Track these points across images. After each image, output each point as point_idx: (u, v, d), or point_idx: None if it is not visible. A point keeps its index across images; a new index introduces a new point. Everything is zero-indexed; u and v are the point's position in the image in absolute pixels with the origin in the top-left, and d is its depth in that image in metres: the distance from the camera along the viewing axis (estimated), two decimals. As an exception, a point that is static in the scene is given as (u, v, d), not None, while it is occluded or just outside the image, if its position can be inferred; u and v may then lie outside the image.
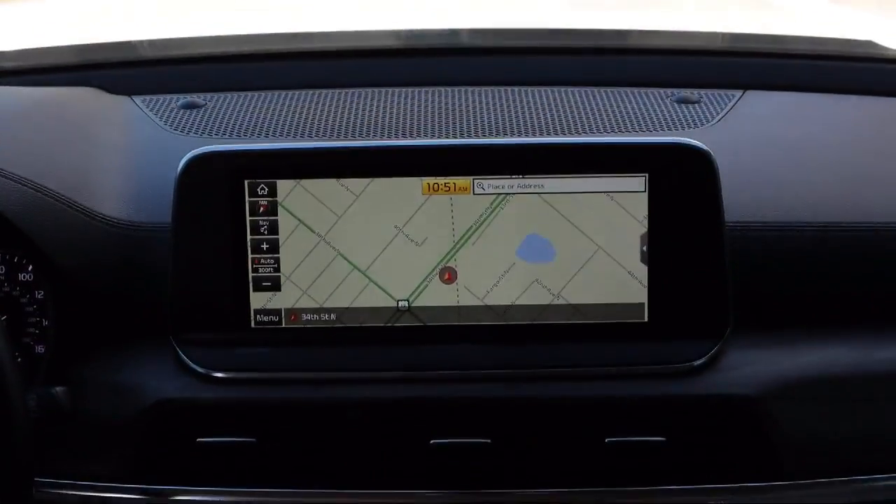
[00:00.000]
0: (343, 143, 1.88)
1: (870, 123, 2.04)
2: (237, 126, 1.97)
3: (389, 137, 1.91)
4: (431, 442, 1.74)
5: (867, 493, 1.78)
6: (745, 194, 1.83)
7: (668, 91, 2.11)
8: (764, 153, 1.90)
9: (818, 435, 1.75)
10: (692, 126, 1.96)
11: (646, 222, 1.76)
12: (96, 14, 3.00)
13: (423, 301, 1.78)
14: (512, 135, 1.90)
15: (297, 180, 1.75)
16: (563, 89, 2.10)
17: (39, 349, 1.82)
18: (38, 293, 1.83)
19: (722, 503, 1.75)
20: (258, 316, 1.78)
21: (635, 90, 2.11)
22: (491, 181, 1.75)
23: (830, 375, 1.78)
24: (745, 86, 2.14)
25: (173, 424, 1.76)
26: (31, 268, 1.81)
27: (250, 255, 1.77)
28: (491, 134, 1.90)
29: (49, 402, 1.70)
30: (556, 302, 1.78)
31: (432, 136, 1.91)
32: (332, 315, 1.79)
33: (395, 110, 2.01)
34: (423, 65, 2.24)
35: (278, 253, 1.77)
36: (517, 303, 1.78)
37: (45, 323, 1.82)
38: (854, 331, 1.85)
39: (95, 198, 1.84)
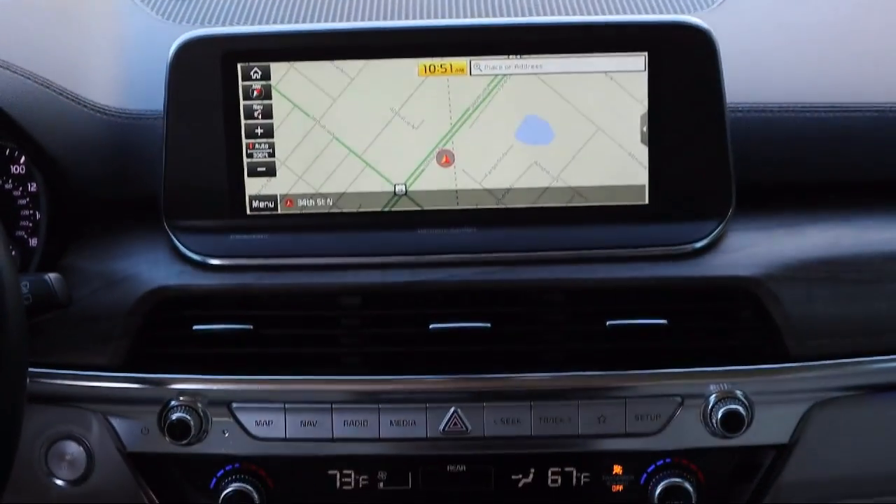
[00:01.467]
0: (338, 25, 1.84)
1: (873, 2, 2.00)
2: (229, 14, 1.93)
3: (385, 20, 1.87)
4: (430, 327, 1.72)
5: (871, 374, 1.76)
6: (746, 75, 1.80)
7: None
8: (766, 34, 1.87)
9: (822, 317, 1.73)
10: (693, 9, 1.92)
11: (646, 102, 1.73)
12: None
13: (421, 185, 1.76)
14: (510, 16, 1.86)
15: (291, 63, 1.72)
16: None
17: (32, 242, 1.79)
18: (31, 186, 1.80)
19: (725, 386, 1.71)
20: (253, 202, 1.75)
21: None
22: (488, 62, 1.72)
23: (834, 257, 1.76)
24: None
25: (169, 313, 1.74)
26: (23, 160, 1.79)
27: (244, 141, 1.74)
28: (489, 16, 1.87)
29: (42, 288, 1.68)
30: (555, 184, 1.75)
31: (429, 18, 1.87)
32: (328, 200, 1.76)
33: None
34: None
35: (273, 138, 1.74)
36: (516, 186, 1.75)
37: (38, 216, 1.79)
38: (857, 212, 1.83)
39: (87, 86, 1.82)
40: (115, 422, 1.75)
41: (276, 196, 1.76)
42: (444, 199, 1.75)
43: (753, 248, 1.76)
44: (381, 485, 1.77)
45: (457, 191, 1.75)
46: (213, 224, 1.76)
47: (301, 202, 1.76)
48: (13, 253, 1.78)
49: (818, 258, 1.75)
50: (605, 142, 1.74)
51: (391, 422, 1.73)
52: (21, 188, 1.80)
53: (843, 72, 1.83)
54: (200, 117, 1.73)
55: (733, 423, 1.71)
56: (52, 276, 1.68)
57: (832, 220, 1.80)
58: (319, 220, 1.76)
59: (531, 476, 1.77)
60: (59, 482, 1.79)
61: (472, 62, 1.73)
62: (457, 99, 1.73)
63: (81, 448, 1.79)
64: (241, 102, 1.72)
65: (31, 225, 1.81)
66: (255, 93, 1.73)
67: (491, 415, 1.73)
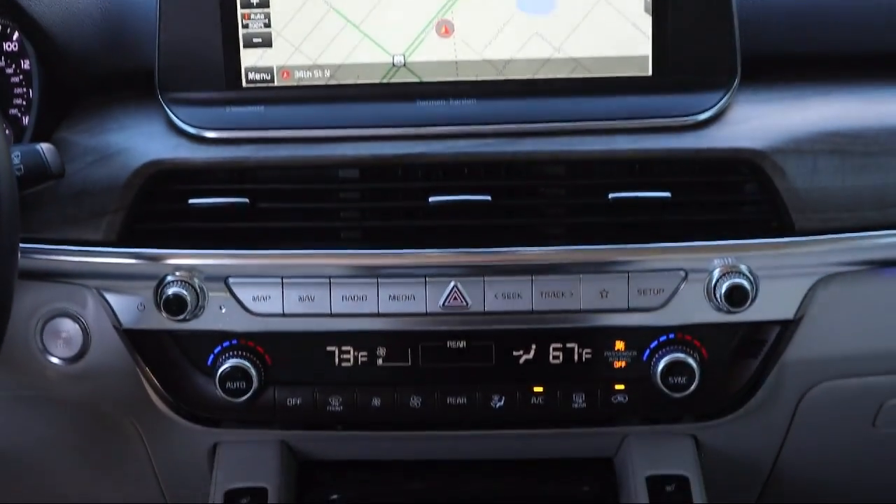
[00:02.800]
0: None
1: None
2: None
3: None
4: (430, 200, 1.69)
5: (878, 249, 1.73)
6: None
7: None
8: None
9: (827, 190, 1.70)
10: None
11: (650, -31, 1.68)
12: None
13: (420, 56, 1.73)
14: None
15: (288, -70, 1.67)
16: None
17: (25, 120, 1.76)
18: (24, 63, 1.77)
19: (729, 260, 1.69)
20: (249, 73, 1.72)
21: None
22: (489, -72, 1.68)
23: (841, 129, 1.73)
24: None
25: (164, 186, 1.72)
26: (16, 36, 1.76)
27: (240, 10, 1.71)
28: None
29: (34, 158, 1.65)
30: (556, 55, 1.72)
31: None
32: (325, 72, 1.73)
33: None
34: None
35: (269, 7, 1.72)
36: (517, 57, 1.73)
37: (31, 94, 1.76)
38: (865, 85, 1.80)
39: (79, -44, 1.77)
40: (111, 298, 1.72)
41: (272, 68, 1.73)
42: (443, 71, 1.72)
43: (758, 120, 1.73)
44: (381, 361, 1.74)
45: (456, 62, 1.72)
46: (209, 96, 1.73)
47: (298, 74, 1.73)
48: (7, 132, 1.74)
49: (825, 130, 1.72)
50: (607, 11, 1.71)
51: (390, 296, 1.70)
52: (14, 65, 1.77)
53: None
54: None
55: (738, 297, 1.68)
56: (44, 146, 1.65)
57: (839, 93, 1.77)
58: (317, 92, 1.72)
59: (532, 352, 1.74)
60: (54, 360, 1.77)
61: (473, -71, 1.68)
62: (457, -33, 1.69)
63: (77, 325, 1.77)
64: None
65: (24, 103, 1.78)
66: (251, -39, 1.68)
67: (491, 289, 1.70)
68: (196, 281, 1.69)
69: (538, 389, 1.75)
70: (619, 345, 1.74)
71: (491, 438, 1.89)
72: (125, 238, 1.70)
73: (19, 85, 1.77)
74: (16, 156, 1.62)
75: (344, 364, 1.74)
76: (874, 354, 1.79)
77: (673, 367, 1.71)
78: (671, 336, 1.73)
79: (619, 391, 1.75)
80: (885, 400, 1.88)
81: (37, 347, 1.75)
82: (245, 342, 1.73)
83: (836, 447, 2.00)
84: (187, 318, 1.70)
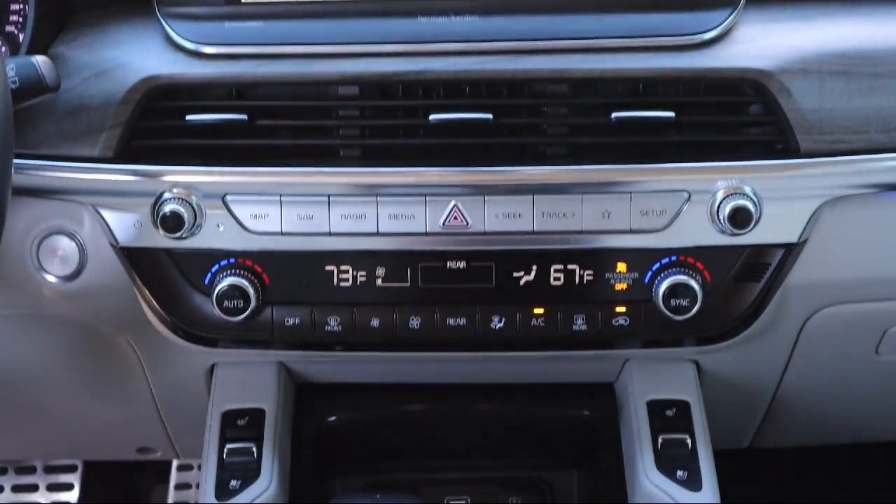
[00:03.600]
0: None
1: None
2: None
3: None
4: (430, 118, 1.66)
5: (883, 172, 1.72)
6: None
7: None
8: None
9: (834, 111, 1.68)
10: None
11: None
12: None
13: (422, -29, 1.69)
14: None
15: None
16: None
17: (21, 37, 1.73)
18: None
19: (733, 181, 1.66)
20: (248, -12, 1.69)
21: None
22: None
23: (848, 50, 1.71)
24: None
25: (162, 102, 1.70)
26: None
27: None
28: None
29: (28, 71, 1.63)
30: (560, -28, 1.68)
31: None
32: (326, -14, 1.69)
33: None
34: None
35: (266, -74, 1.67)
36: (520, -28, 1.68)
37: (28, 9, 1.73)
38: (872, 5, 1.77)
39: None
40: (107, 215, 1.71)
41: (272, -19, 1.69)
42: (446, -13, 1.69)
43: (765, 40, 1.70)
44: (380, 281, 1.72)
45: (458, -24, 1.68)
46: (207, 11, 1.71)
47: (298, -12, 1.70)
48: (2, 48, 1.72)
49: (832, 51, 1.70)
50: (611, -73, 1.67)
51: (390, 215, 1.68)
52: None
53: None
54: None
55: (741, 219, 1.66)
56: (39, 58, 1.63)
57: (848, 13, 1.75)
58: (317, 8, 1.71)
59: (533, 273, 1.72)
60: (51, 278, 1.75)
61: None
62: None
63: (73, 243, 1.75)
64: None
65: (20, 20, 1.76)
66: None
67: (492, 209, 1.68)
68: (193, 198, 1.67)
69: (538, 311, 1.73)
70: (621, 266, 1.72)
71: (491, 362, 1.88)
72: (122, 155, 1.68)
73: (15, 1, 1.74)
74: (10, 68, 1.60)
75: (343, 284, 1.72)
76: (878, 280, 1.77)
77: (675, 290, 1.69)
78: (673, 258, 1.71)
79: (621, 314, 1.73)
80: (889, 327, 1.86)
81: (33, 265, 1.74)
82: (243, 261, 1.71)
83: (838, 375, 1.98)
84: (184, 235, 1.68)
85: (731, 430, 2.09)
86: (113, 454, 2.33)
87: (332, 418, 1.95)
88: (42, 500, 2.75)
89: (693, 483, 1.77)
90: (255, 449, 1.79)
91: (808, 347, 1.87)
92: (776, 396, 2.00)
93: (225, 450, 1.80)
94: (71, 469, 2.76)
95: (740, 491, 1.95)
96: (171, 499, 2.73)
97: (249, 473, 1.77)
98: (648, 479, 1.77)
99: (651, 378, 1.87)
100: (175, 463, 2.73)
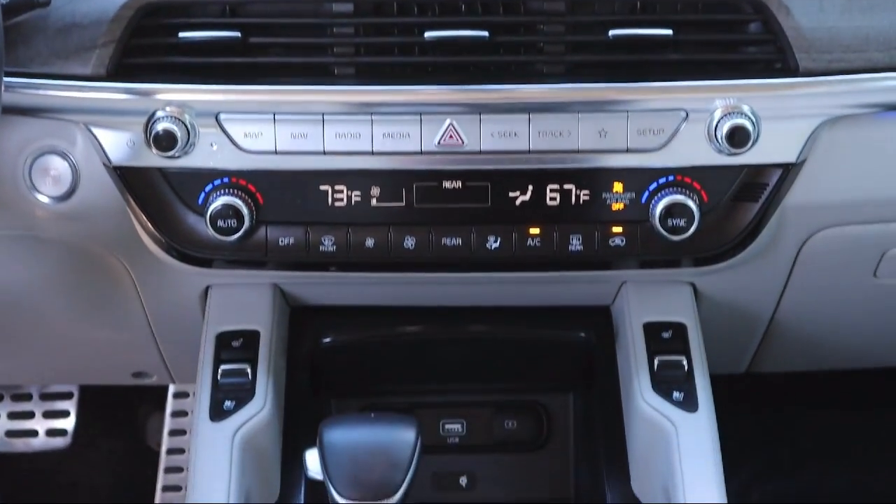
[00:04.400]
0: None
1: None
2: None
3: None
4: (426, 35, 1.65)
5: (884, 92, 1.71)
6: None
7: None
8: None
9: (833, 29, 1.66)
10: None
11: None
12: None
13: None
14: None
15: None
16: None
17: None
18: None
19: (731, 100, 1.65)
20: None
21: None
22: None
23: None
24: None
25: (154, 20, 1.68)
26: None
27: None
28: None
29: (20, -16, 1.59)
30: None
31: None
32: None
33: None
34: None
35: None
36: None
37: None
38: None
39: None
40: (100, 134, 1.69)
41: None
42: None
43: (763, -46, 1.67)
44: (374, 201, 1.71)
45: None
46: None
47: None
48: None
49: None
50: None
51: (384, 134, 1.66)
52: None
53: None
54: None
55: (739, 138, 1.64)
56: None
57: None
58: None
59: (529, 193, 1.71)
60: (43, 198, 1.74)
61: None
62: None
63: (66, 163, 1.74)
64: None
65: None
66: None
67: (488, 127, 1.66)
68: (187, 117, 1.66)
69: (534, 231, 1.72)
70: (618, 186, 1.71)
71: (486, 284, 1.87)
72: (115, 73, 1.67)
73: None
74: (0, -18, 1.57)
75: (337, 204, 1.71)
76: (877, 201, 1.76)
77: (672, 210, 1.68)
78: (670, 178, 1.70)
79: (617, 234, 1.72)
80: (887, 249, 1.85)
81: (25, 185, 1.72)
82: (236, 180, 1.70)
83: (836, 298, 1.98)
84: (178, 154, 1.67)
85: (728, 355, 2.08)
86: (108, 378, 2.33)
87: (327, 340, 1.94)
88: (38, 427, 2.74)
89: (689, 404, 1.76)
90: (249, 370, 1.78)
91: (805, 270, 1.86)
92: (773, 320, 1.99)
93: (219, 371, 1.79)
94: (67, 396, 2.76)
95: (736, 416, 1.94)
96: (166, 426, 2.72)
97: (243, 394, 1.77)
98: (644, 400, 1.77)
99: (647, 300, 1.86)
100: (171, 390, 2.73)
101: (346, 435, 1.52)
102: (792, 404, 2.72)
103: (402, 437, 1.51)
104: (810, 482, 2.71)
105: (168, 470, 2.70)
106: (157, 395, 2.73)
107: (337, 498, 1.48)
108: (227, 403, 1.75)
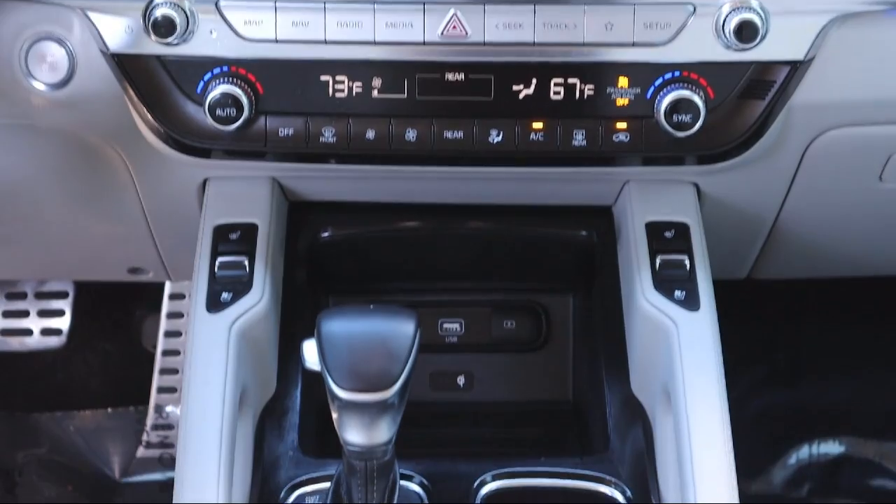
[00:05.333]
0: None
1: None
2: None
3: None
4: None
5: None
6: None
7: None
8: None
9: None
10: None
11: None
12: None
13: None
14: None
15: None
16: None
17: None
18: None
19: None
20: None
21: None
22: None
23: None
24: None
25: None
26: None
27: None
28: None
29: None
30: None
31: None
32: None
33: None
34: None
35: None
36: None
37: None
38: None
39: None
40: (97, 19, 1.66)
41: None
42: None
43: None
44: (376, 92, 1.68)
45: None
46: None
47: None
48: None
49: None
50: None
51: (387, 24, 1.63)
52: None
53: None
54: None
55: (747, 33, 1.62)
56: None
57: None
58: None
59: (532, 87, 1.69)
60: (39, 86, 1.72)
61: None
62: None
63: (62, 49, 1.71)
64: None
65: None
66: None
67: (492, 18, 1.64)
68: (186, 3, 1.63)
69: (537, 125, 1.70)
70: (623, 81, 1.68)
71: (488, 180, 1.85)
72: None
73: None
74: None
75: (338, 94, 1.68)
76: (884, 101, 1.74)
77: (677, 105, 1.65)
78: (677, 74, 1.67)
79: (621, 130, 1.69)
80: (894, 151, 1.82)
81: (21, 72, 1.70)
82: (236, 69, 1.67)
83: (840, 202, 1.96)
84: (176, 42, 1.64)
85: (730, 259, 2.06)
86: (104, 274, 2.31)
87: (326, 234, 1.92)
88: (33, 326, 2.73)
89: (691, 303, 1.75)
90: (247, 262, 1.76)
91: (810, 173, 1.84)
92: (776, 224, 1.97)
93: (216, 263, 1.77)
94: (62, 295, 2.74)
95: (734, 327, 1.93)
96: (162, 328, 2.71)
97: (241, 287, 1.75)
98: (646, 298, 1.75)
99: (650, 200, 1.84)
100: (167, 291, 2.71)
101: (344, 326, 1.50)
102: (792, 315, 2.71)
103: (402, 329, 1.49)
104: (808, 394, 2.71)
105: (163, 371, 2.70)
106: (152, 297, 2.71)
107: (335, 389, 1.46)
108: (225, 295, 1.74)
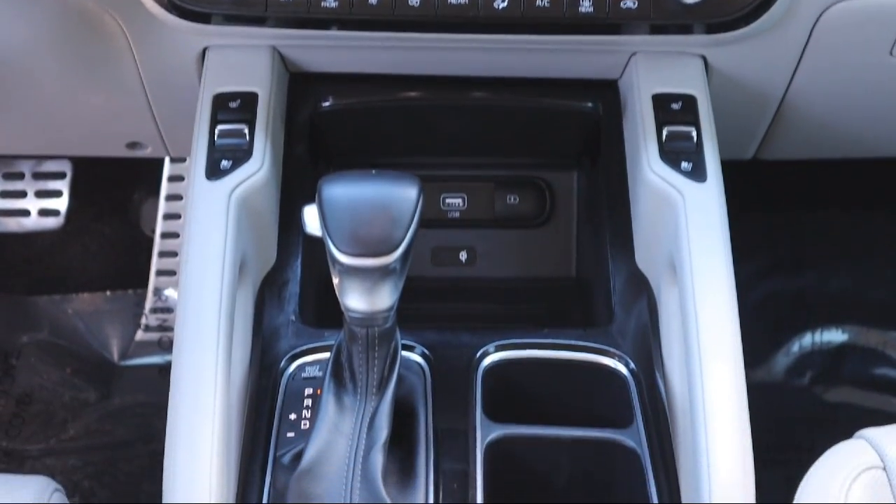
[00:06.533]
0: None
1: None
2: None
3: None
4: None
5: None
6: None
7: None
8: None
9: None
10: None
11: None
12: None
13: None
14: None
15: None
16: None
17: None
18: None
19: None
20: None
21: None
22: None
23: None
24: None
25: None
26: None
27: None
28: None
29: None
30: None
31: None
32: None
33: None
34: None
35: None
36: None
37: None
38: None
39: None
40: None
41: None
42: None
43: None
44: None
45: None
46: None
47: None
48: None
49: None
50: None
51: None
52: None
53: None
54: None
55: None
56: None
57: None
58: None
59: None
60: None
61: None
62: None
63: None
64: None
65: None
66: None
67: None
68: None
69: None
70: None
71: (492, 50, 1.81)
72: None
73: None
74: None
75: None
76: None
77: None
78: None
79: None
80: (906, 25, 1.78)
81: None
82: None
83: (849, 79, 1.92)
84: None
85: (737, 137, 2.03)
86: (102, 149, 2.27)
87: (326, 104, 1.89)
88: (30, 207, 2.71)
89: (698, 174, 1.72)
90: (246, 131, 1.73)
91: (819, 47, 1.80)
92: (784, 101, 1.94)
93: (216, 131, 1.73)
94: (59, 176, 2.71)
95: (738, 214, 1.90)
96: (161, 210, 2.68)
97: (241, 154, 1.72)
98: (652, 170, 1.72)
99: (657, 72, 1.81)
100: (165, 173, 2.68)
101: (346, 190, 1.47)
102: (796, 204, 2.68)
103: (404, 193, 1.46)
104: (811, 282, 2.69)
105: (162, 254, 2.68)
106: (151, 180, 2.68)
107: (336, 254, 1.44)
108: (224, 163, 1.71)
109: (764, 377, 2.58)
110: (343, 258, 1.42)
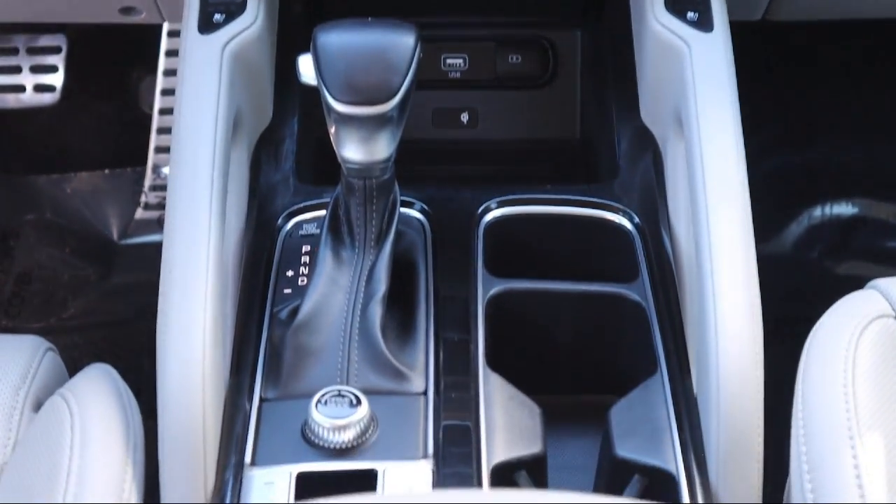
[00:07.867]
0: None
1: None
2: None
3: None
4: None
5: None
6: None
7: None
8: None
9: None
10: None
11: None
12: None
13: None
14: None
15: None
16: None
17: None
18: None
19: None
20: None
21: None
22: None
23: None
24: None
25: None
26: None
27: None
28: None
29: None
30: None
31: None
32: None
33: None
34: None
35: None
36: None
37: None
38: None
39: None
40: None
41: None
42: None
43: None
44: None
45: None
46: None
47: None
48: None
49: None
50: None
51: None
52: None
53: None
54: None
55: None
56: None
57: None
58: None
59: None
60: None
61: None
62: None
63: None
64: None
65: None
66: None
67: None
68: None
69: None
70: None
71: None
72: None
73: None
74: None
75: None
76: None
77: None
78: None
79: None
80: None
81: None
82: None
83: None
84: None
85: (744, -4, 1.97)
86: (95, 15, 2.21)
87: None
88: (26, 83, 2.66)
89: (704, 24, 1.66)
90: None
91: None
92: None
93: None
94: (55, 51, 2.66)
95: (746, 87, 1.84)
96: (159, 86, 2.64)
97: (234, 7, 1.67)
98: (657, 20, 1.66)
99: None
100: (163, 48, 2.63)
101: (341, 38, 1.43)
102: (805, 76, 2.62)
103: (401, 40, 1.41)
104: (821, 155, 2.64)
105: (161, 131, 2.63)
106: (148, 55, 2.62)
107: (331, 103, 1.40)
108: (217, 17, 1.65)
109: (773, 250, 2.54)
110: (339, 107, 1.38)
